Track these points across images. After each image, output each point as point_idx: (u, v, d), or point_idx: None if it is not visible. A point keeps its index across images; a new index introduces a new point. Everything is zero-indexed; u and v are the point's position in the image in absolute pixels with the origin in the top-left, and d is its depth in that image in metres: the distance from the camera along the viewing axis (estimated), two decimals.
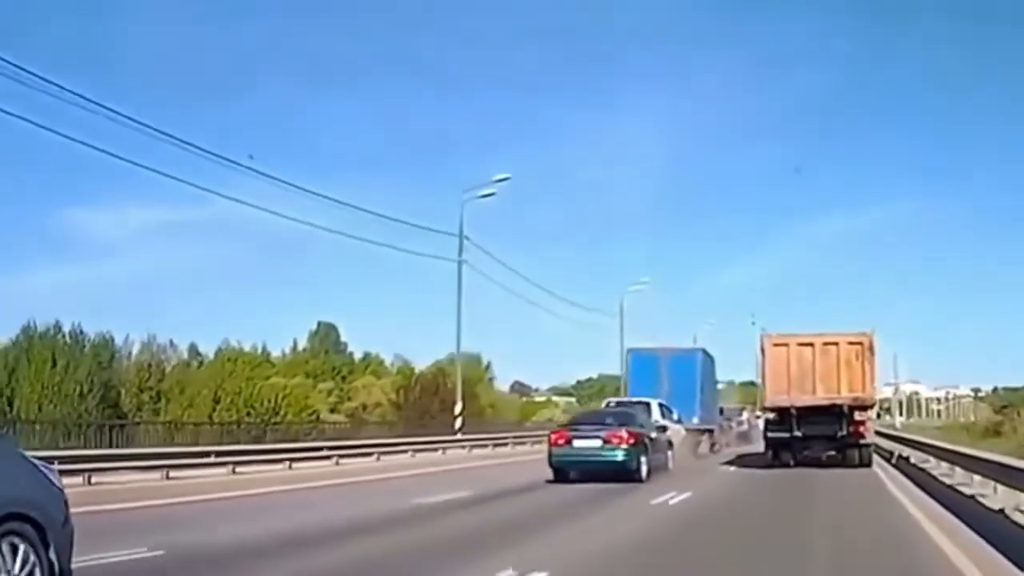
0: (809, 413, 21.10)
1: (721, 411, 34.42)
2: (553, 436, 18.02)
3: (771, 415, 22.81)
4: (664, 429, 21.27)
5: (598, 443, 17.21)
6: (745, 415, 38.69)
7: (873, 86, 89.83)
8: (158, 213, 72.01)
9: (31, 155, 62.57)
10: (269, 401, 46.50)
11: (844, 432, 21.21)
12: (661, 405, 24.24)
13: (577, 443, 17.41)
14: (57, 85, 20.16)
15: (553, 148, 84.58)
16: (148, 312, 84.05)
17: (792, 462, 21.84)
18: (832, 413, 20.99)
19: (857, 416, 21.63)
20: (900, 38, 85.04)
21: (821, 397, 20.91)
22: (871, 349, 21.10)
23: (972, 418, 67.49)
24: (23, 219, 72.65)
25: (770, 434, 22.40)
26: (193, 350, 54.88)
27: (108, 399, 44.78)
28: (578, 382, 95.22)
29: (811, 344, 21.24)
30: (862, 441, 21.62)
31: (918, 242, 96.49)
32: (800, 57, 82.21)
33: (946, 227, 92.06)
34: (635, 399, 24.40)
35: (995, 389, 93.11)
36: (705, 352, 31.05)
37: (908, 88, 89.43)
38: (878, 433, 27.79)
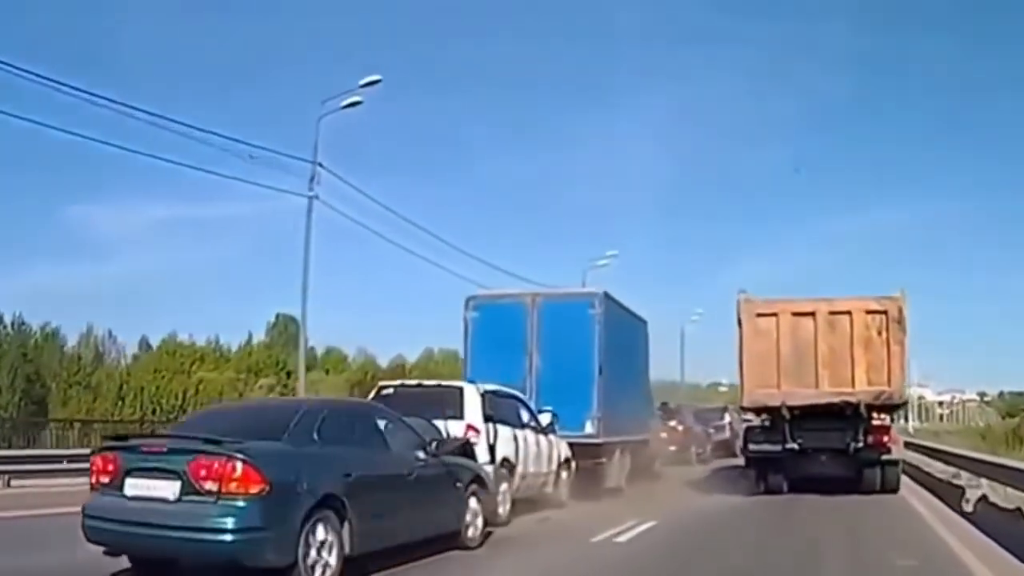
0: (810, 416, 14.97)
1: (664, 406, 25.32)
2: (96, 466, 7.45)
3: (754, 419, 16.67)
4: (464, 448, 10.21)
5: (169, 489, 6.92)
6: (728, 418, 31.57)
7: (880, 85, 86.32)
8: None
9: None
10: (176, 398, 41.54)
11: (860, 443, 14.92)
12: (495, 395, 12.41)
13: (132, 486, 7.14)
14: None
15: (553, 147, 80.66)
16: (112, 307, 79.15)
17: (785, 487, 15.47)
18: (843, 416, 14.85)
19: (876, 420, 15.45)
20: (906, 37, 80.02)
21: (828, 392, 14.81)
22: (900, 321, 14.81)
23: (979, 423, 62.91)
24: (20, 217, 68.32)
25: (753, 446, 15.79)
26: (143, 343, 53.45)
27: (33, 394, 43.48)
28: None
29: (812, 314, 15.07)
30: (886, 456, 15.20)
31: (922, 244, 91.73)
32: (804, 56, 77.25)
33: (950, 229, 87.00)
34: (449, 383, 12.95)
35: (1001, 393, 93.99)
36: (609, 297, 15.79)
37: (915, 88, 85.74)
38: (907, 445, 20.66)
